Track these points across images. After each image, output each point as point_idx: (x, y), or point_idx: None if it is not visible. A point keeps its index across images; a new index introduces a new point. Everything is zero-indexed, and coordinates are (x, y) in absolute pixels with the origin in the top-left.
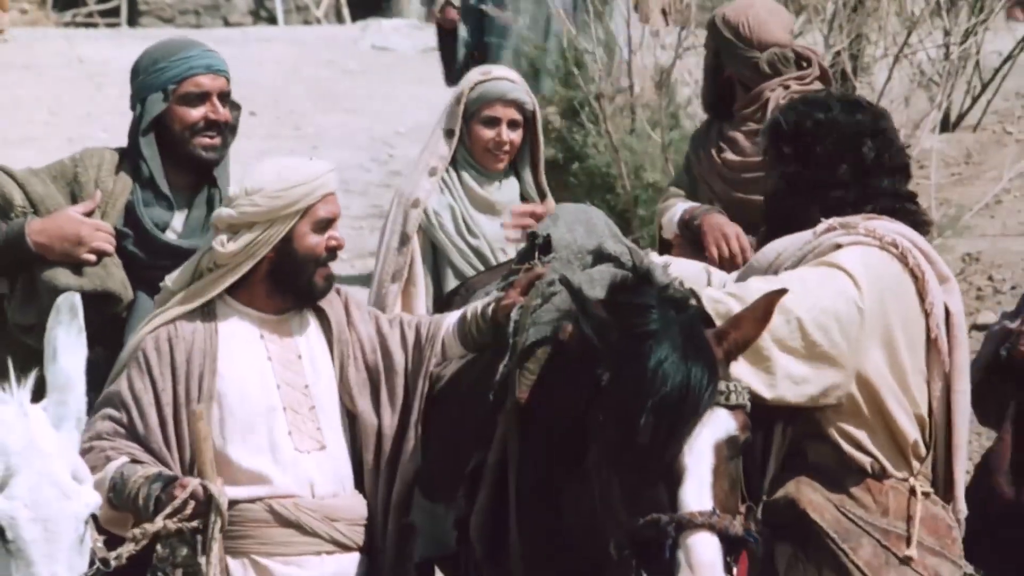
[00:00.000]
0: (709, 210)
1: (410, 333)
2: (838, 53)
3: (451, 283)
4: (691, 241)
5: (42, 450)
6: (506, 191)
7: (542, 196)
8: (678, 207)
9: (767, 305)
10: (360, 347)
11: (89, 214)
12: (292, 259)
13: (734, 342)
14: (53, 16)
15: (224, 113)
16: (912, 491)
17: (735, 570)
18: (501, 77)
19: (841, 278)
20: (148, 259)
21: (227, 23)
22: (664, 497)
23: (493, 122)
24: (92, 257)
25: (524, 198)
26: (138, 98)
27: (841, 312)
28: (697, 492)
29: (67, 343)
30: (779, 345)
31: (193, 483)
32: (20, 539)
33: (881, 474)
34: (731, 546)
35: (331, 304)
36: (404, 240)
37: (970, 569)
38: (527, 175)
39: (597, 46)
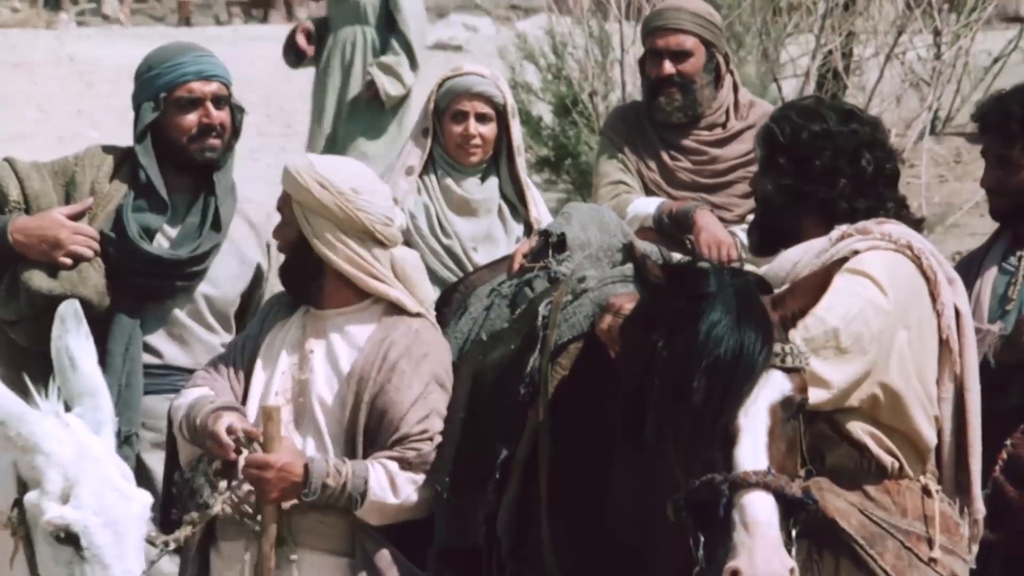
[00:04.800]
0: (700, 207)
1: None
2: (830, 52)
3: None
4: (669, 236)
5: (95, 457)
6: (485, 189)
7: (518, 189)
8: (649, 202)
9: (825, 275)
10: (369, 388)
11: (78, 217)
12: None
13: (791, 308)
14: (44, 15)
15: (218, 116)
16: (926, 490)
17: (794, 534)
18: (470, 72)
19: (869, 286)
20: (129, 266)
21: (218, 21)
22: (719, 458)
23: (461, 116)
24: (68, 261)
25: (503, 194)
26: (134, 104)
27: (871, 319)
28: (752, 452)
29: (81, 350)
30: (809, 345)
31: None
32: (94, 545)
33: (898, 474)
34: (789, 507)
35: (388, 333)
36: None
37: (973, 564)
38: (503, 170)
39: (590, 43)
